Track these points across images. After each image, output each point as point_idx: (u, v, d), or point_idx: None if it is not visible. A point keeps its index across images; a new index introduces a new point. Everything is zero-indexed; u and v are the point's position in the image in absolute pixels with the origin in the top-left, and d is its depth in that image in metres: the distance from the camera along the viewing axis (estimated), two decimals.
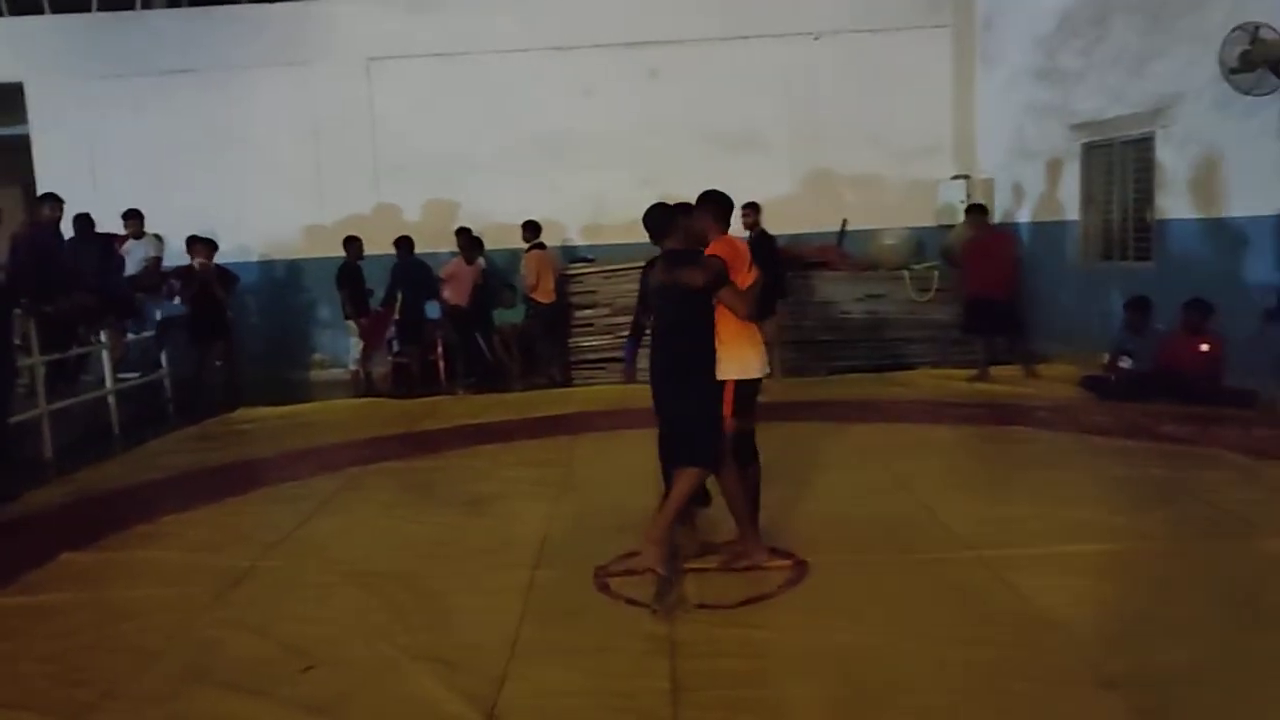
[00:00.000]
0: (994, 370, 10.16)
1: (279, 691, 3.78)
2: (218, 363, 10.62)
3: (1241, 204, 8.51)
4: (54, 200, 9.32)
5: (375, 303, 11.56)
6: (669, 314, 4.94)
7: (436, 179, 12.74)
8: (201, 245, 10.44)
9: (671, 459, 4.90)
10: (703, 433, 4.74)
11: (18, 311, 7.85)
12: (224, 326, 10.49)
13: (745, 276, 4.77)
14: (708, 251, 4.73)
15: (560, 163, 12.62)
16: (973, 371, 10.09)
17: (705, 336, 4.75)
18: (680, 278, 4.69)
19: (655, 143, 12.46)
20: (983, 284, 10.01)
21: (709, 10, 12.64)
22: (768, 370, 5.00)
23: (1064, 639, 3.94)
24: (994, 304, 9.94)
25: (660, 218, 4.99)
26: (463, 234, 11.64)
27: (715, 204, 4.93)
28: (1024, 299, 10.76)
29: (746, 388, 4.81)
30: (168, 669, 4.04)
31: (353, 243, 11.30)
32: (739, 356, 4.77)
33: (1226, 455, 6.70)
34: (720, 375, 4.75)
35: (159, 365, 10.98)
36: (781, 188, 12.34)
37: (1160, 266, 9.49)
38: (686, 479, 4.70)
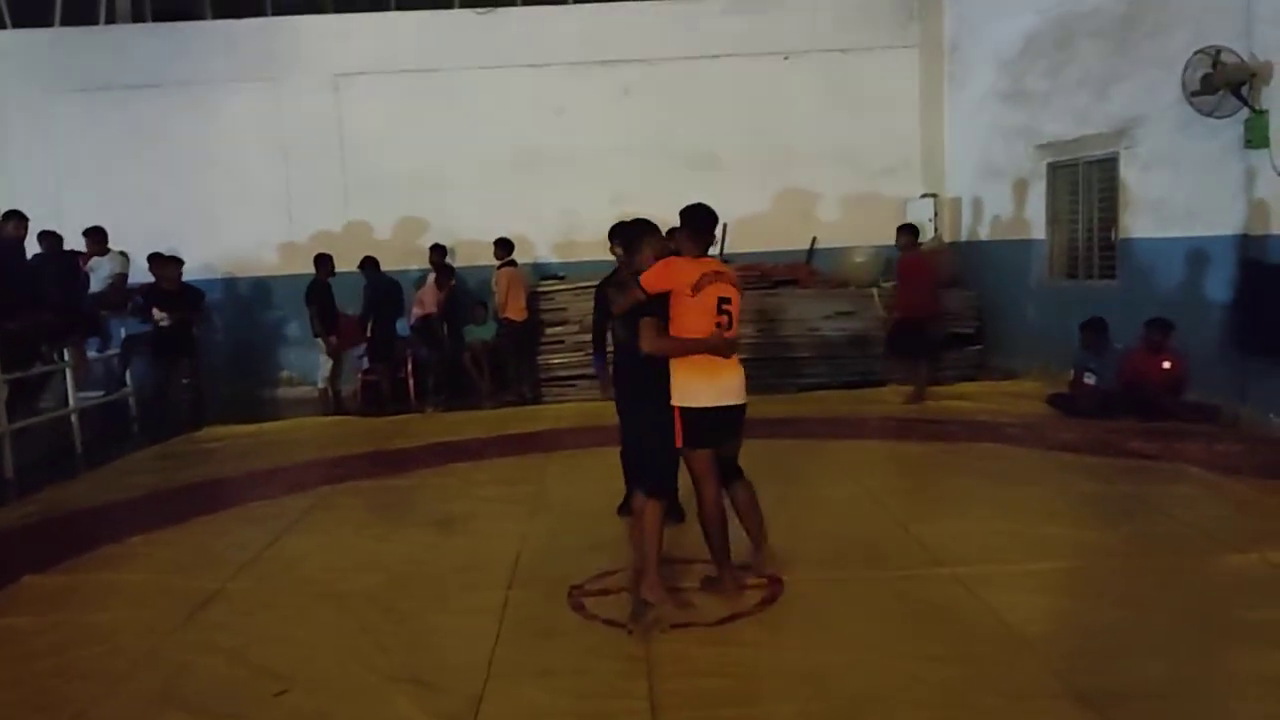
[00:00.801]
0: (962, 387, 10.25)
1: (253, 715, 3.75)
2: (184, 380, 10.47)
3: (1203, 223, 8.65)
4: (18, 218, 9.20)
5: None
6: (619, 334, 4.93)
7: (407, 196, 12.70)
8: (171, 263, 10.30)
9: (630, 476, 4.88)
10: (652, 459, 4.68)
11: None
12: (190, 344, 10.35)
13: (686, 299, 4.56)
14: (645, 273, 4.62)
15: (531, 180, 12.64)
16: (908, 390, 10.07)
17: (655, 360, 4.63)
18: (611, 301, 4.65)
19: (626, 160, 12.52)
20: (905, 306, 10.12)
21: (681, 29, 12.72)
22: (731, 399, 4.67)
23: (1035, 654, 3.97)
24: (913, 325, 10.01)
25: (628, 233, 4.99)
26: (436, 250, 11.59)
27: (688, 221, 4.76)
28: (942, 323, 10.71)
29: (697, 416, 4.58)
30: (137, 693, 3.98)
31: (323, 260, 11.22)
32: (683, 384, 4.59)
33: (1191, 470, 6.79)
34: (673, 400, 4.62)
35: (123, 383, 10.84)
36: (752, 205, 12.41)
37: (1124, 284, 9.63)
38: (646, 513, 4.52)
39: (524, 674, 3.98)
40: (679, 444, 4.61)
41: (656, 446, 4.65)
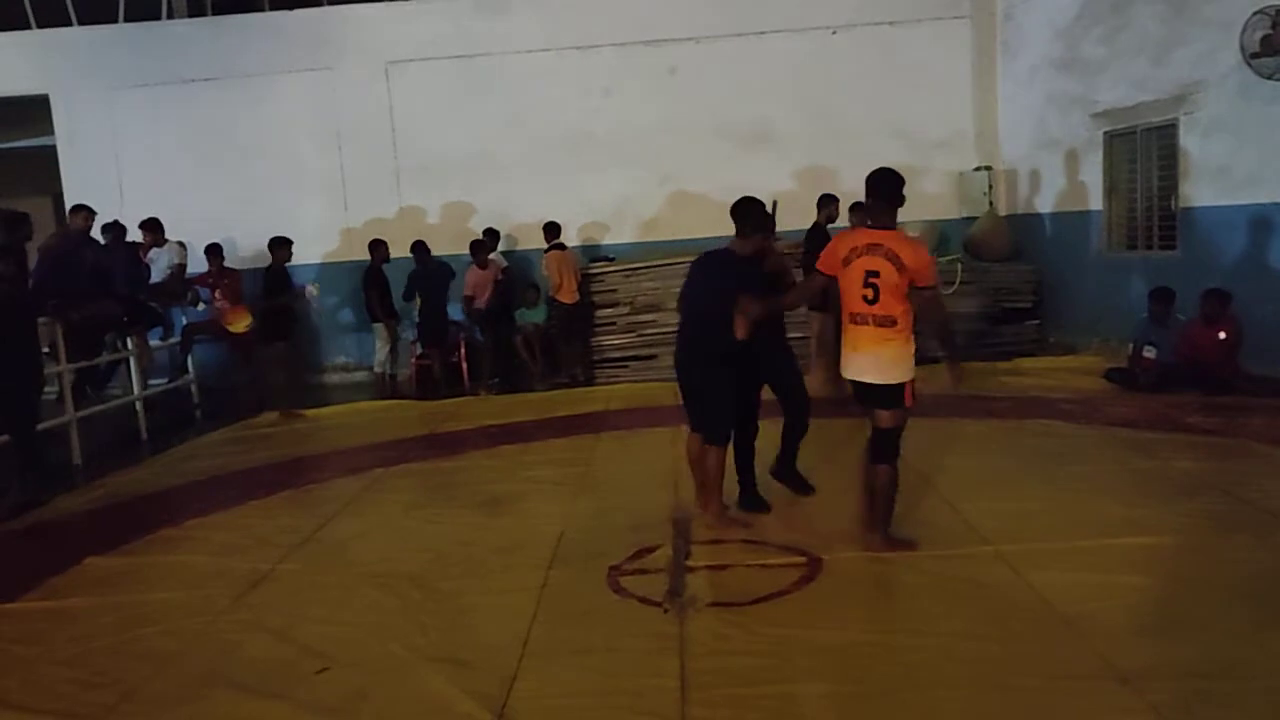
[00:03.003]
0: (1020, 363, 10.10)
1: (295, 693, 3.83)
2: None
3: (1267, 190, 8.40)
4: (85, 210, 9.48)
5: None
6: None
7: (458, 181, 12.81)
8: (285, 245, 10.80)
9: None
10: (706, 413, 5.46)
11: (43, 320, 7.96)
12: (288, 329, 10.65)
13: (840, 272, 4.76)
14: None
15: (580, 162, 12.65)
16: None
17: (714, 330, 5.15)
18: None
19: (674, 140, 12.48)
20: None
21: (726, 7, 12.61)
22: (856, 376, 4.85)
23: (1079, 634, 3.90)
24: None
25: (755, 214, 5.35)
26: (477, 246, 11.60)
27: (872, 187, 4.79)
28: None
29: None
30: (186, 672, 4.09)
31: (379, 246, 11.36)
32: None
33: (1253, 446, 6.62)
34: None
35: (185, 370, 11.12)
36: (802, 182, 12.28)
37: (1185, 255, 9.38)
38: (709, 456, 5.43)
39: (558, 652, 4.02)
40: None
41: (709, 402, 5.34)
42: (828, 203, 9.59)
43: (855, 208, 9.38)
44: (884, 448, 4.89)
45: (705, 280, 5.49)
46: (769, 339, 5.53)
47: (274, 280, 10.77)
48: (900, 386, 4.75)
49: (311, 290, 11.48)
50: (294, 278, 11.15)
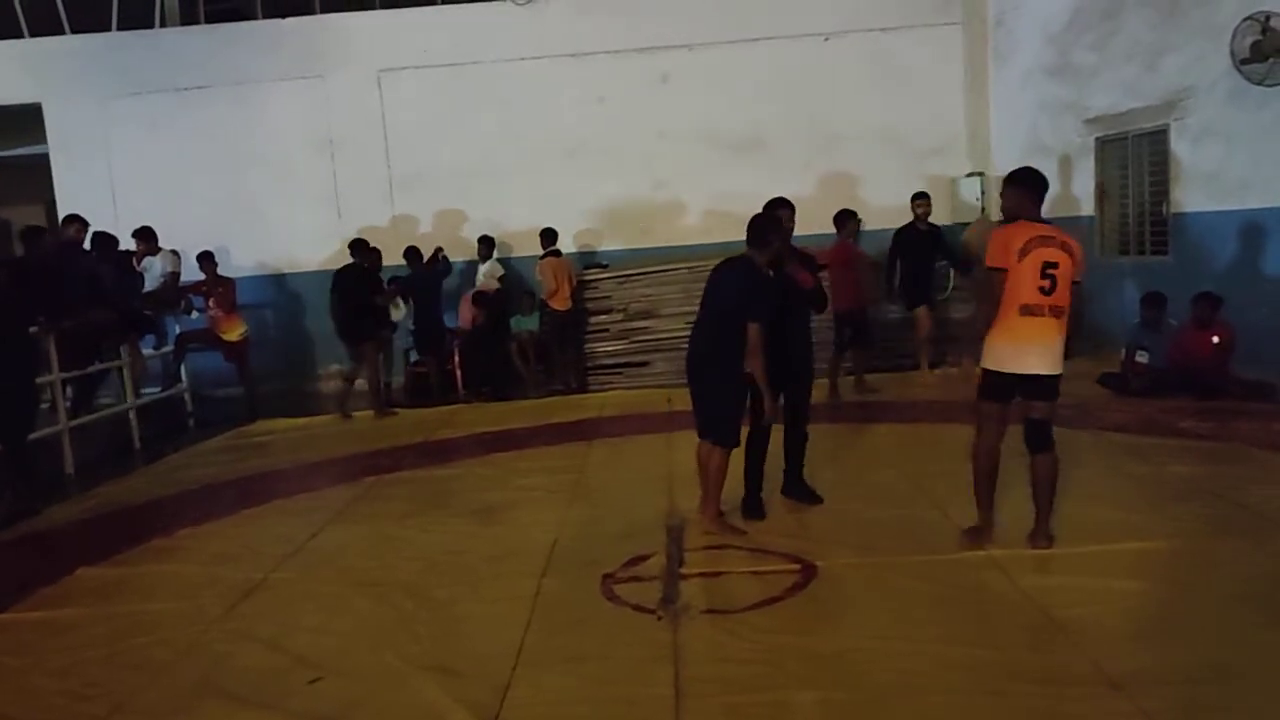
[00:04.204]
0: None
1: (287, 703, 3.81)
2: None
3: (1258, 195, 8.44)
4: (79, 221, 9.45)
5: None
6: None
7: (451, 188, 12.83)
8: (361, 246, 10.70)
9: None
10: (719, 417, 5.48)
11: (34, 329, 7.93)
12: (373, 327, 10.55)
13: (1014, 265, 4.72)
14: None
15: (573, 169, 12.68)
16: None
17: (724, 338, 5.34)
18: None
19: (667, 147, 12.54)
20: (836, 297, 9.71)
21: (718, 14, 12.65)
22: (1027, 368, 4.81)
23: (1072, 639, 3.90)
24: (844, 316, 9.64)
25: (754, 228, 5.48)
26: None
27: (1024, 183, 4.93)
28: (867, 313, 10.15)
29: (993, 378, 4.88)
30: (178, 682, 4.07)
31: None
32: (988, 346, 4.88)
33: (1246, 450, 6.63)
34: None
35: (179, 379, 11.09)
36: (794, 189, 12.12)
37: (1178, 260, 9.41)
38: (714, 456, 5.48)
39: (552, 661, 4.01)
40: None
41: (723, 406, 5.40)
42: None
43: (841, 217, 9.46)
44: (1049, 436, 4.93)
45: (726, 284, 5.55)
46: (802, 341, 5.79)
47: (361, 281, 10.58)
48: (1060, 375, 4.86)
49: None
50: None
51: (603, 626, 4.34)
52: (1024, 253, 4.68)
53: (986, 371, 4.90)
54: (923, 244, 9.96)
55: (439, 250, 11.71)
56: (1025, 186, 4.89)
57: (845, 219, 9.74)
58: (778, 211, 5.72)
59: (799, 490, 5.97)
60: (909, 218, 10.07)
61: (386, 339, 11.06)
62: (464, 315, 11.76)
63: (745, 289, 5.36)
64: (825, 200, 12.51)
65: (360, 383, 10.60)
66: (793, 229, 5.78)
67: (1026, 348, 4.78)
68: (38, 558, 6.06)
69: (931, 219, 10.24)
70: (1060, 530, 5.11)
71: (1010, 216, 4.90)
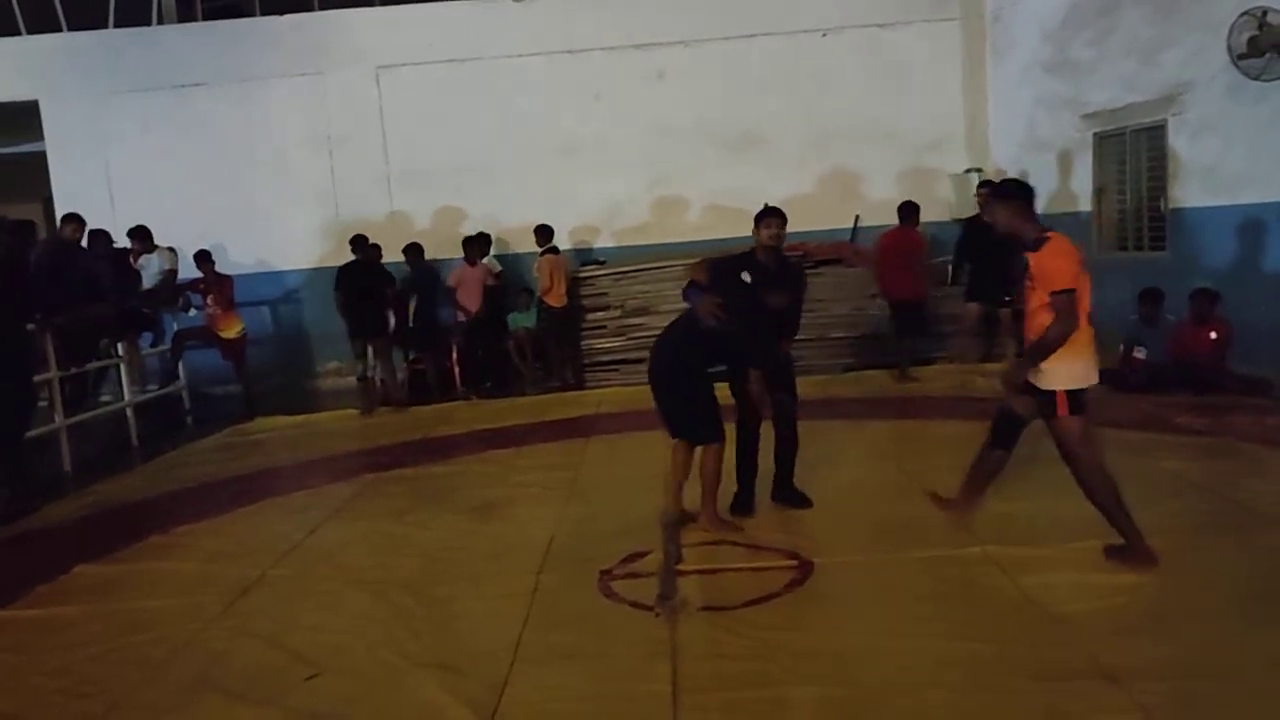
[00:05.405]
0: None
1: (285, 700, 3.81)
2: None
3: (1256, 190, 8.43)
4: (76, 220, 9.44)
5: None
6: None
7: (448, 185, 12.80)
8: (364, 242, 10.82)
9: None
10: (698, 419, 5.46)
11: (30, 326, 7.93)
12: (376, 325, 10.71)
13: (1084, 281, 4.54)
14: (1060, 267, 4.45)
15: (570, 166, 12.66)
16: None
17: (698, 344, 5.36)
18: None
19: (664, 144, 12.53)
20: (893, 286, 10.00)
21: (715, 10, 12.63)
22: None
23: (1068, 634, 3.91)
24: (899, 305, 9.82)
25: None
26: (468, 243, 11.60)
27: (1022, 193, 4.73)
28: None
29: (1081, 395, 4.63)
30: (175, 679, 4.07)
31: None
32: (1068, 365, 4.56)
33: (1240, 446, 6.65)
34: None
35: (176, 377, 11.09)
36: (792, 185, 12.29)
37: (1175, 255, 9.41)
38: (709, 456, 5.47)
39: (549, 657, 4.01)
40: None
41: (701, 406, 5.41)
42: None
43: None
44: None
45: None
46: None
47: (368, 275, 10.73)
48: None
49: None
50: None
51: (600, 623, 4.35)
52: (1084, 267, 4.54)
53: (1074, 392, 4.60)
54: (985, 237, 9.76)
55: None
56: (1021, 199, 4.70)
57: (911, 210, 9.95)
58: (758, 224, 5.59)
59: (789, 495, 5.87)
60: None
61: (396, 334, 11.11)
62: (466, 299, 11.55)
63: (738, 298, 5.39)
64: (823, 196, 12.64)
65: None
66: (781, 237, 5.62)
67: (1093, 362, 4.67)
68: (35, 555, 6.07)
69: (928, 216, 10.23)
70: (1055, 526, 5.13)
71: (1010, 232, 4.69)
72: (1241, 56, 8.00)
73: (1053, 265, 4.45)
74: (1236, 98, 8.43)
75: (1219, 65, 8.48)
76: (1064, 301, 4.40)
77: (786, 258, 5.92)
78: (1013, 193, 4.75)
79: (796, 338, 6.08)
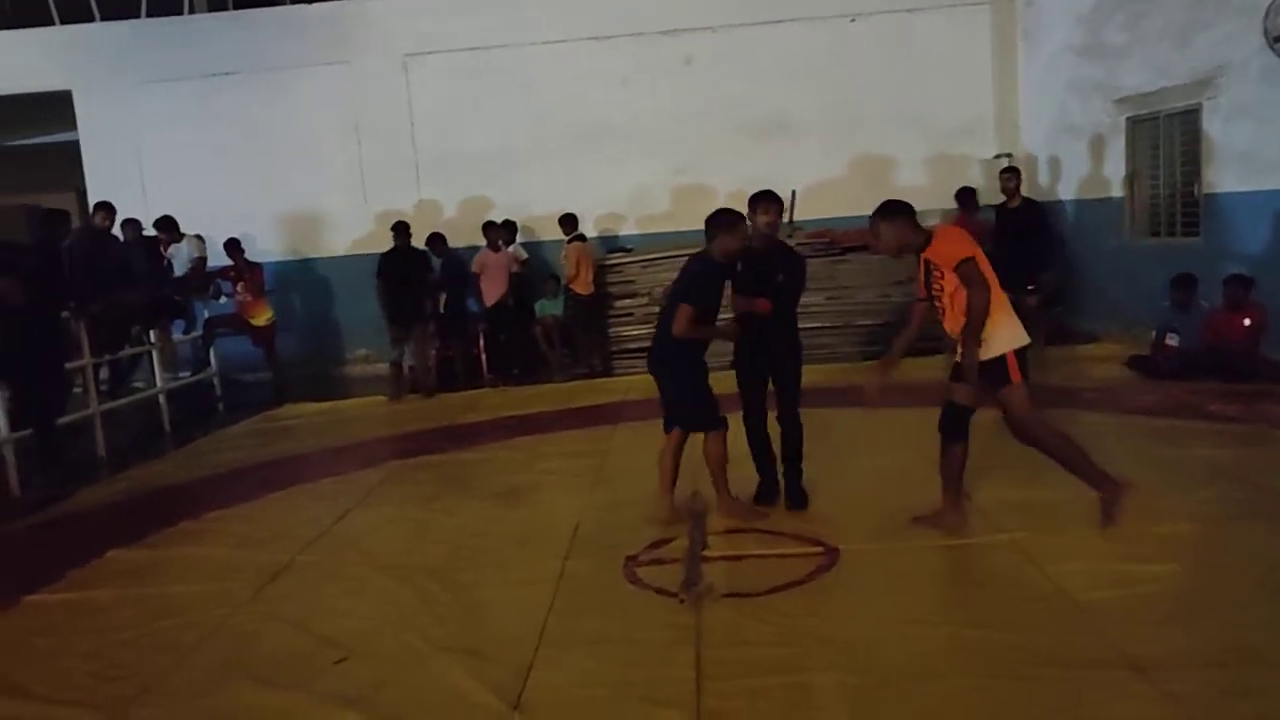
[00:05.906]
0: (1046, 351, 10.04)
1: (313, 684, 3.85)
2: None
3: None
4: (107, 208, 9.57)
5: None
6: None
7: (475, 173, 12.84)
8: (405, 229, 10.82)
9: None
10: (700, 407, 5.43)
11: (65, 314, 8.04)
12: (417, 311, 10.74)
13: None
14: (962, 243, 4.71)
15: (597, 153, 12.66)
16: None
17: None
18: None
19: (691, 131, 12.50)
20: None
21: None
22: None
23: (1095, 623, 3.88)
24: None
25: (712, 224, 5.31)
26: (489, 227, 11.61)
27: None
28: None
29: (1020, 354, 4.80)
30: (205, 663, 4.13)
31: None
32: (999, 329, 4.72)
33: (1273, 433, 6.58)
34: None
35: (208, 364, 11.21)
36: (820, 172, 12.25)
37: (1209, 241, 9.28)
38: (711, 443, 5.42)
39: (574, 643, 4.03)
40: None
41: (699, 395, 5.37)
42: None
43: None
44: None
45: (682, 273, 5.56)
46: (780, 333, 5.52)
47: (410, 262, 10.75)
48: None
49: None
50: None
51: (625, 609, 4.36)
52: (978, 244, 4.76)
53: (1018, 352, 4.76)
54: (1010, 223, 9.62)
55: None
56: (905, 214, 4.81)
57: (970, 195, 10.14)
58: (753, 208, 5.41)
59: (791, 493, 5.65)
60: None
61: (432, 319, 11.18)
62: (489, 285, 11.54)
63: (687, 274, 5.38)
64: (851, 183, 12.55)
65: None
66: (775, 224, 5.48)
67: (1018, 321, 4.83)
68: (68, 540, 6.16)
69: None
70: (1083, 513, 5.06)
71: (900, 249, 4.86)
72: (1277, 39, 7.86)
73: (946, 248, 4.68)
74: (1273, 81, 8.29)
75: (1254, 48, 8.35)
76: (969, 268, 4.58)
77: (783, 243, 5.79)
78: (897, 209, 4.84)
79: (818, 325, 6.01)
